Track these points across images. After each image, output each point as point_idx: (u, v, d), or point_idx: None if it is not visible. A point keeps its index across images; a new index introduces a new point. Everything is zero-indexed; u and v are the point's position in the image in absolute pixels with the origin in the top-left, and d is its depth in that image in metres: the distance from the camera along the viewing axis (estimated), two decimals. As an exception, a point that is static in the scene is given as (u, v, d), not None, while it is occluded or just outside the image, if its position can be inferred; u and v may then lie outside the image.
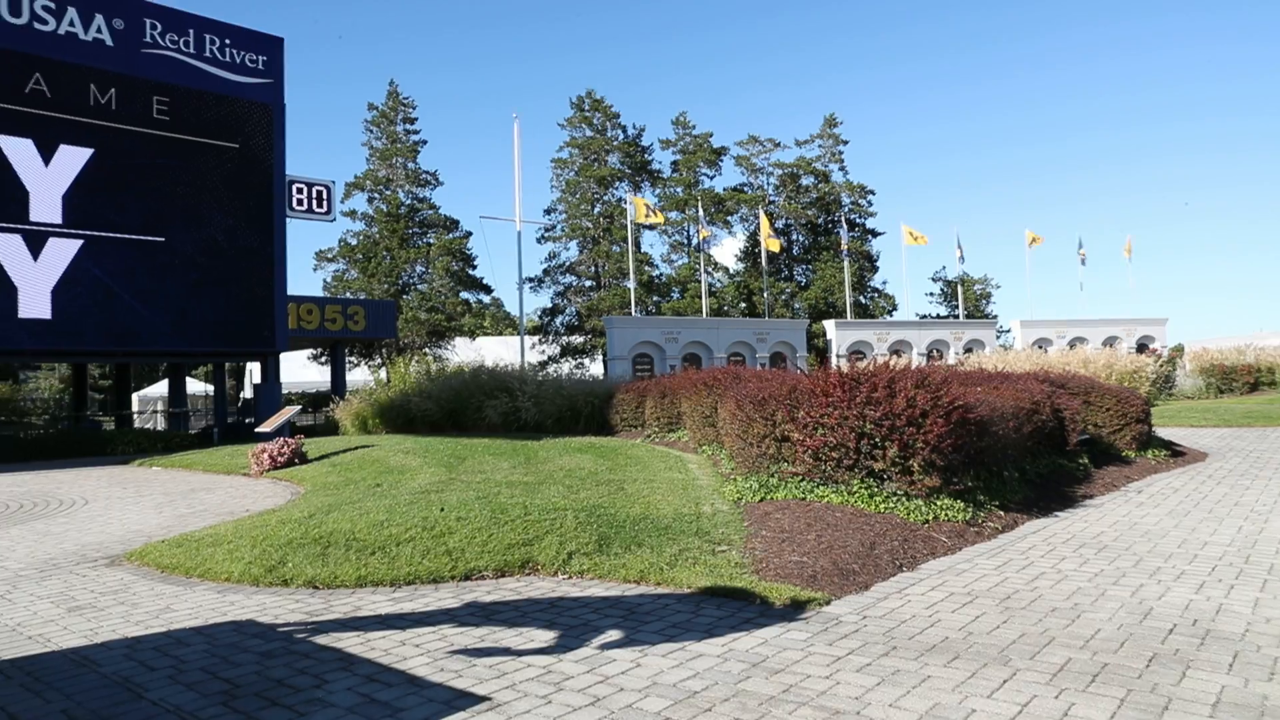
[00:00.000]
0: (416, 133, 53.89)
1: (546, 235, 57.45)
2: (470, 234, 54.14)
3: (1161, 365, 33.42)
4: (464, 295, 54.13)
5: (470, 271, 53.68)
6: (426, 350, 48.41)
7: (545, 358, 54.33)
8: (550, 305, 57.93)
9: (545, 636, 5.57)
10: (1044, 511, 9.74)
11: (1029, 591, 6.43)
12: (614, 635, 5.56)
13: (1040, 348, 42.99)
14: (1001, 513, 9.22)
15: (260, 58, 21.37)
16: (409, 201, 53.18)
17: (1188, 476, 12.61)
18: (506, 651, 5.28)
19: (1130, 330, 51.42)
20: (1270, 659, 4.89)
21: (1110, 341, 48.82)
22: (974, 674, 4.69)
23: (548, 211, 58.69)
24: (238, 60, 20.98)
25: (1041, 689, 4.45)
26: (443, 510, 8.79)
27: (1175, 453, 14.88)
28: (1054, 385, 14.11)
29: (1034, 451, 11.81)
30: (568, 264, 57.36)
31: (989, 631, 5.46)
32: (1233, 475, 12.68)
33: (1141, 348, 48.30)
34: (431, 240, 52.90)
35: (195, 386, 52.16)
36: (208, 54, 20.50)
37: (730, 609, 6.13)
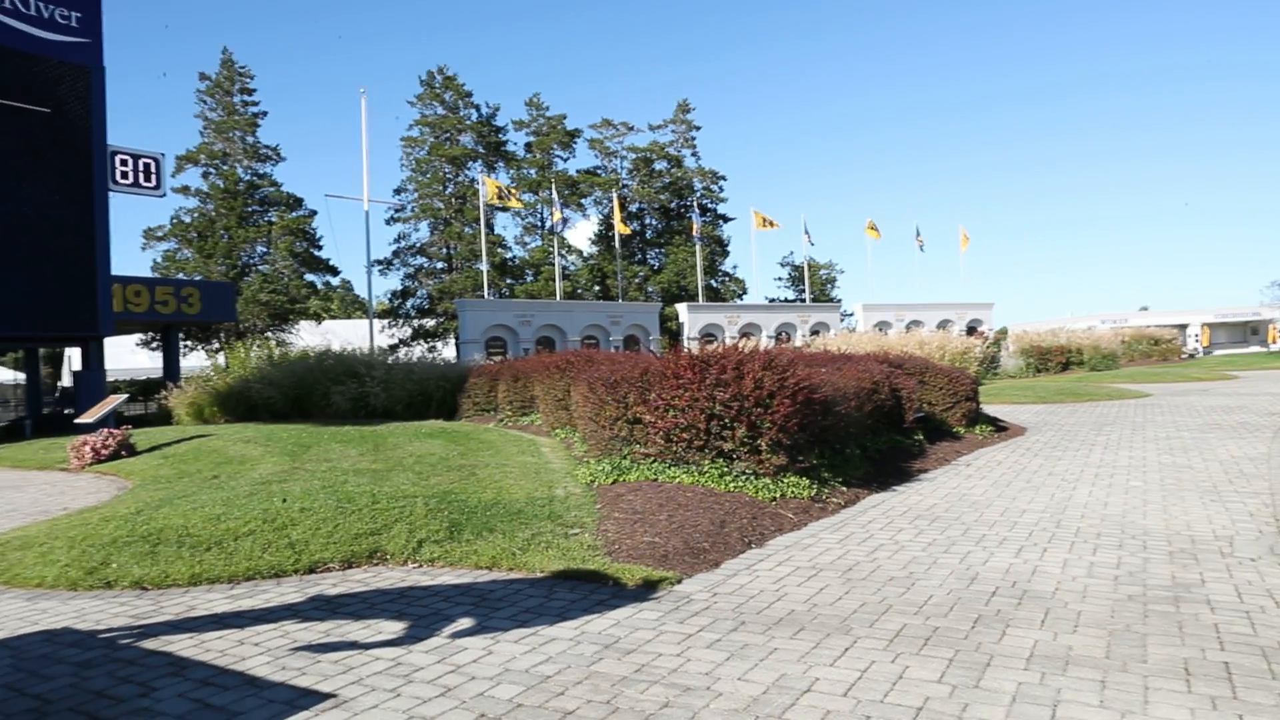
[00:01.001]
0: (255, 104, 50.99)
1: (396, 216, 55.79)
2: (315, 213, 51.88)
3: (988, 347, 35.90)
4: (309, 277, 51.84)
5: (315, 252, 51.41)
6: (269, 334, 46.08)
7: (396, 341, 52.84)
8: (401, 288, 56.38)
9: (394, 628, 5.41)
10: (883, 486, 10.26)
11: (869, 563, 6.76)
12: (465, 623, 5.46)
13: (881, 330, 45.27)
14: (844, 489, 9.65)
15: (74, 14, 19.56)
16: (248, 177, 50.30)
17: (1010, 450, 13.58)
18: (353, 645, 5.10)
19: (961, 314, 54.89)
20: (1075, 613, 5.34)
21: (944, 324, 51.99)
22: (818, 644, 4.89)
23: (398, 191, 57.01)
24: (46, 15, 19.13)
25: (879, 654, 4.69)
26: (285, 501, 8.40)
27: (999, 428, 16.01)
28: (892, 366, 14.88)
29: (874, 429, 12.42)
30: (419, 245, 55.92)
31: (832, 603, 5.71)
32: (1048, 447, 13.76)
33: (971, 330, 51.67)
34: (273, 219, 50.29)
35: (3, 375, 47.71)
36: (8, 5, 18.59)
37: (583, 592, 6.14)
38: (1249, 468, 11.00)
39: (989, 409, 18.49)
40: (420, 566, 7.03)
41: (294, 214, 50.62)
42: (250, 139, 50.41)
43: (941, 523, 8.24)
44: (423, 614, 5.69)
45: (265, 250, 50.16)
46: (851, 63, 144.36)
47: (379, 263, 55.89)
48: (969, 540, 7.47)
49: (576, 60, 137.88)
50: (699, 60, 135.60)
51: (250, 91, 50.86)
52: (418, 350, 50.22)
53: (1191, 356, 56.87)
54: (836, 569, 6.60)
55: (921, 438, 13.37)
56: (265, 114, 51.22)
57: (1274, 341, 66.83)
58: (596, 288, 61.01)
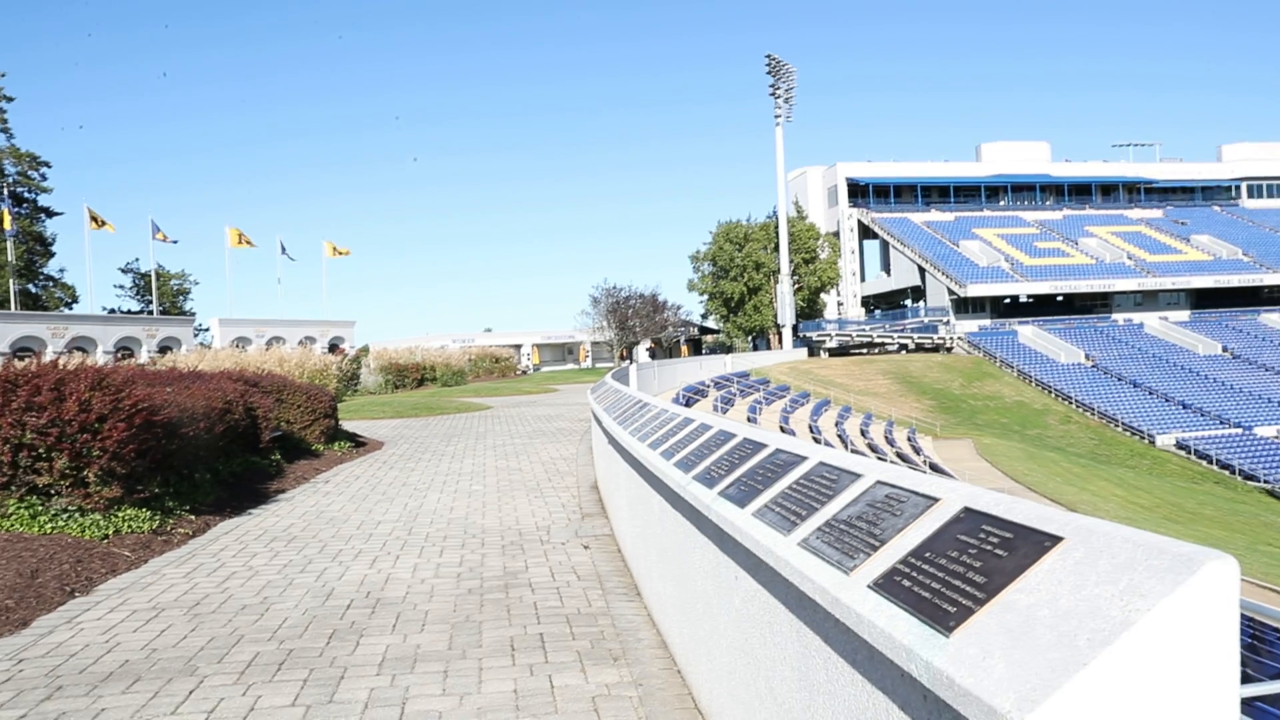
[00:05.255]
0: None
1: None
2: None
3: (349, 364, 36.57)
4: None
5: None
6: None
7: None
8: None
9: None
10: (238, 510, 9.74)
11: (220, 594, 6.33)
12: None
13: (240, 346, 42.91)
14: (193, 517, 8.91)
15: None
16: None
17: (368, 464, 14.03)
18: None
19: (324, 331, 54.94)
20: (423, 613, 5.74)
21: (306, 341, 51.42)
22: (157, 693, 4.41)
23: None
24: None
25: (229, 690, 4.42)
26: None
27: (359, 443, 16.43)
28: (248, 384, 14.22)
29: (228, 451, 11.71)
30: None
31: (175, 644, 5.21)
32: (403, 460, 14.55)
33: (333, 348, 52.05)
34: None
35: None
36: None
37: None
38: (564, 466, 13.07)
39: (349, 425, 18.85)
40: None
41: None
42: None
43: (299, 542, 8.12)
44: None
45: None
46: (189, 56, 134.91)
47: None
48: (326, 557, 7.50)
49: None
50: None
51: None
52: None
53: (524, 373, 65.61)
54: (182, 605, 6.04)
55: (279, 457, 13.03)
56: None
57: (584, 360, 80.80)
58: None
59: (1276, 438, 39.82)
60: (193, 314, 61.09)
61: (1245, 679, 4.85)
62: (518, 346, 76.35)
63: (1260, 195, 74.76)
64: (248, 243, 51.86)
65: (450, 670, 4.65)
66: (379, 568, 7.07)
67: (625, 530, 7.02)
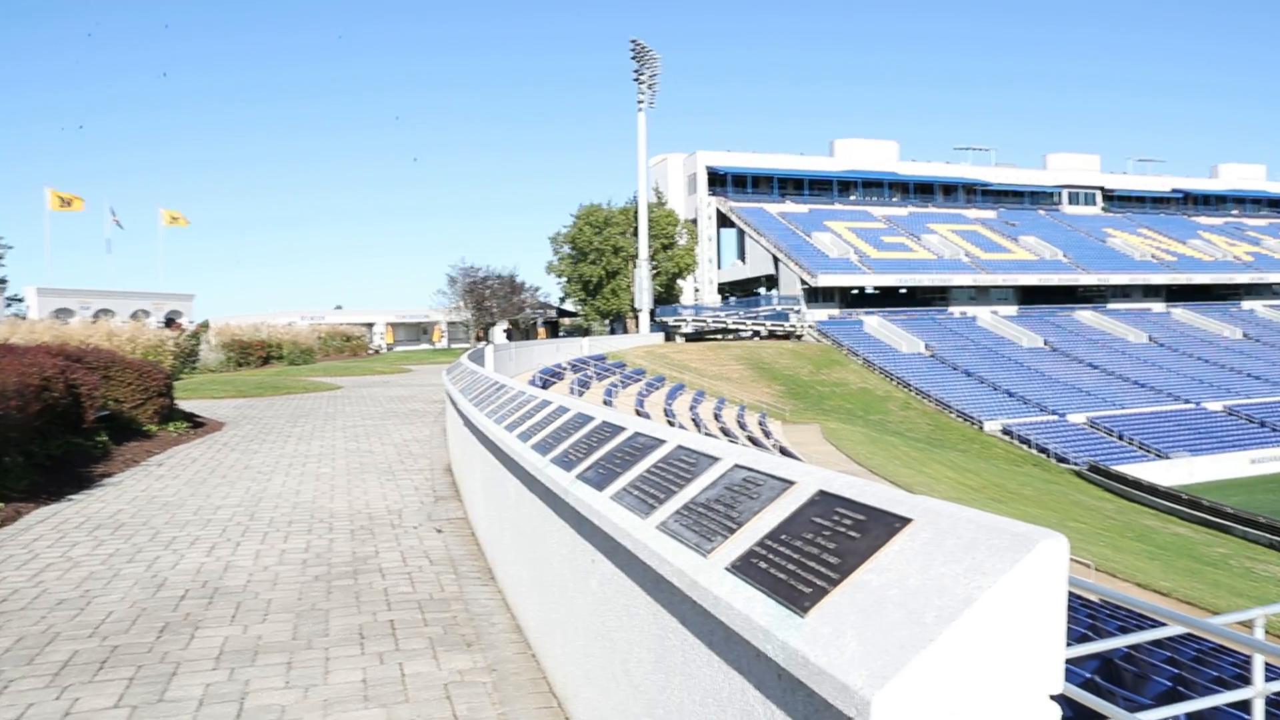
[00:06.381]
0: None
1: None
2: None
3: (187, 339, 34.42)
4: None
5: None
6: None
7: None
8: None
9: None
10: (56, 496, 8.98)
11: (33, 588, 5.82)
12: None
13: (61, 318, 39.62)
14: (2, 505, 8.15)
15: None
16: None
17: (206, 446, 13.23)
18: None
19: (160, 305, 51.52)
20: (266, 602, 5.46)
21: (140, 315, 48.06)
22: (-46, 697, 4.01)
23: None
24: None
25: (40, 694, 4.07)
26: None
27: (197, 424, 15.47)
28: (71, 359, 13.11)
29: (45, 432, 10.77)
30: None
31: (-22, 643, 4.75)
32: (245, 441, 13.82)
33: (170, 322, 48.86)
34: None
35: None
36: None
37: None
38: (417, 449, 12.75)
39: (187, 405, 17.72)
40: None
41: None
42: None
43: (127, 530, 7.57)
44: None
45: None
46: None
47: None
48: (158, 545, 7.03)
49: None
50: None
51: None
52: None
53: (378, 352, 63.55)
54: (-12, 602, 5.52)
55: (106, 439, 12.11)
56: None
57: (439, 340, 79.04)
58: None
59: (1084, 425, 43.45)
60: (3, 282, 55.88)
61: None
62: (370, 325, 73.93)
63: (1079, 202, 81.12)
64: (71, 205, 47.85)
65: (294, 661, 4.44)
66: (217, 555, 6.68)
67: (480, 514, 6.91)
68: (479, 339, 62.18)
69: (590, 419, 3.97)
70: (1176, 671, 7.20)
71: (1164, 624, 3.68)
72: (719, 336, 59.78)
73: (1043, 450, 39.62)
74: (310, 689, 4.09)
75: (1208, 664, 8.25)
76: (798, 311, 59.82)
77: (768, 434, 31.99)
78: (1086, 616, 10.02)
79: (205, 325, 51.47)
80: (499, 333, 66.98)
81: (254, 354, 39.53)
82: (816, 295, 60.96)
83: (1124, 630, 8.94)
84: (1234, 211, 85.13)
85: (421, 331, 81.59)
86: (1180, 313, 67.42)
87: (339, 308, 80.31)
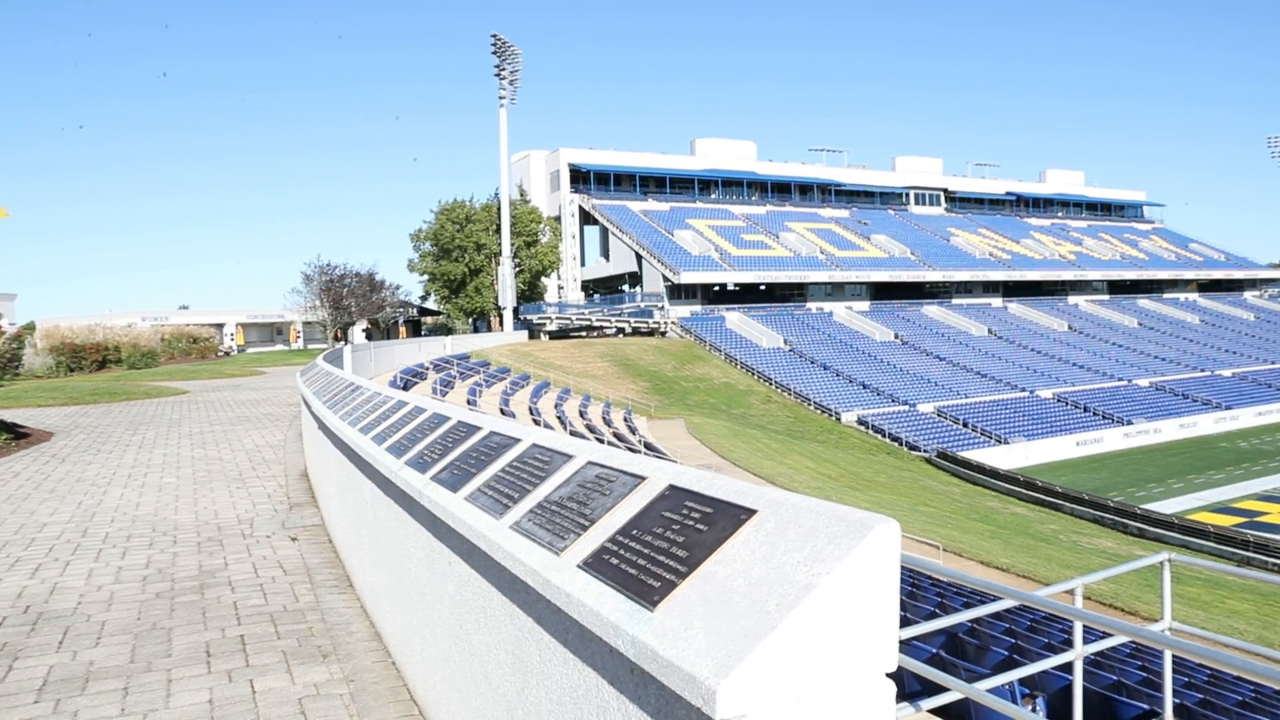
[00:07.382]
0: None
1: None
2: None
3: (8, 343, 31.72)
4: None
5: None
6: None
7: None
8: None
9: None
10: None
11: None
12: None
13: None
14: None
15: None
16: None
17: (31, 458, 12.22)
18: None
19: (-27, 305, 47.27)
20: (99, 624, 5.09)
21: (-51, 317, 43.92)
22: None
23: None
24: None
25: None
26: None
27: (20, 434, 14.26)
28: None
29: None
30: None
31: None
32: (78, 451, 12.84)
33: (-14, 324, 44.82)
34: None
35: None
36: None
37: None
38: (270, 454, 12.18)
39: (8, 414, 16.31)
40: None
41: None
42: None
43: (-64, 553, 6.90)
44: None
45: None
46: None
47: None
48: (-27, 568, 6.44)
49: None
50: None
51: None
52: None
53: (228, 354, 60.34)
54: None
55: (-87, 454, 11.01)
56: None
57: (295, 340, 75.76)
58: None
59: (933, 414, 45.98)
60: None
61: (904, 622, 5.53)
62: (220, 326, 70.20)
63: (925, 203, 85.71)
64: None
65: (132, 686, 4.16)
66: (42, 577, 6.18)
67: (336, 520, 6.67)
68: (337, 339, 59.95)
69: (446, 419, 3.90)
70: (1013, 641, 7.73)
71: (1000, 599, 3.93)
72: (583, 334, 59.89)
73: (895, 439, 41.66)
74: (149, 714, 3.84)
75: (1040, 632, 8.89)
76: (661, 308, 60.61)
77: (633, 430, 32.29)
78: (935, 595, 10.61)
79: (30, 327, 47.53)
80: (358, 332, 64.75)
81: (88, 358, 36.81)
82: (679, 292, 61.94)
83: (968, 606, 9.52)
84: (1059, 214, 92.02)
85: (276, 332, 78.04)
86: (1015, 307, 72.28)
87: (184, 308, 75.84)
